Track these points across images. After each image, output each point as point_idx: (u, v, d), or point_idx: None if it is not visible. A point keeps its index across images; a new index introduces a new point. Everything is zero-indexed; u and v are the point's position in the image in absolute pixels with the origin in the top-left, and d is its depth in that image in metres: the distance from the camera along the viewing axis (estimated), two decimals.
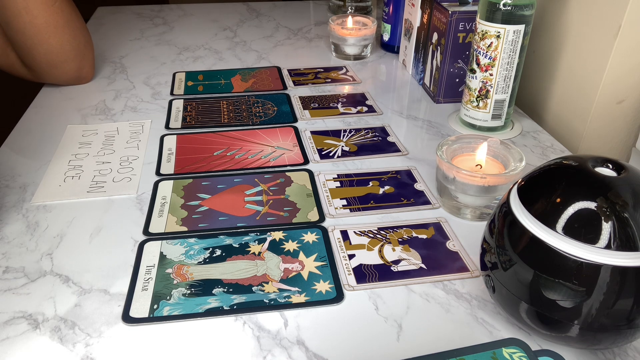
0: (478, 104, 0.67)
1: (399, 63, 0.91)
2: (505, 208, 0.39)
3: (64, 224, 0.53)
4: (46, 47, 0.73)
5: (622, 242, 0.34)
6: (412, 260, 0.49)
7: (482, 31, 0.63)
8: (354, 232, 0.52)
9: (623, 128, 0.67)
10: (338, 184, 0.59)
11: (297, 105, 0.76)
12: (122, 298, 0.45)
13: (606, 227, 0.34)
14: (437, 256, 0.49)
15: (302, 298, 0.45)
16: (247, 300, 0.44)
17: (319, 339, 0.41)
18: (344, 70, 0.87)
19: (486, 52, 0.63)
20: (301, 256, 0.49)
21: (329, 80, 0.84)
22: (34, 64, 0.75)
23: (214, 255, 0.49)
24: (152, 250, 0.49)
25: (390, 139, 0.68)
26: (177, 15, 1.13)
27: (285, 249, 0.50)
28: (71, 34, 0.75)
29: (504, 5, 0.60)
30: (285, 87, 0.81)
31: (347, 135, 0.69)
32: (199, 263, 0.48)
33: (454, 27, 0.70)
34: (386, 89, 0.82)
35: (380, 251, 0.50)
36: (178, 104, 0.76)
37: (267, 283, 0.46)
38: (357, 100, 0.78)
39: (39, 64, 0.75)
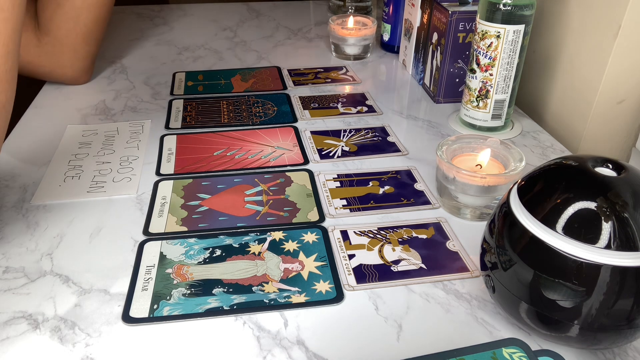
0: (478, 104, 0.67)
1: (399, 63, 0.91)
2: (505, 208, 0.39)
3: (64, 224, 0.53)
4: (96, 15, 0.76)
5: (622, 242, 0.34)
6: (412, 260, 0.49)
7: (482, 31, 0.63)
8: (354, 232, 0.52)
9: (623, 128, 0.67)
10: (338, 184, 0.59)
11: (297, 105, 0.76)
12: (122, 298, 0.45)
13: (606, 227, 0.34)
14: (437, 256, 0.49)
15: (302, 298, 0.45)
16: (247, 300, 0.44)
17: (319, 339, 0.41)
18: (344, 70, 0.87)
19: (486, 52, 0.63)
20: (301, 256, 0.49)
21: (329, 80, 0.84)
22: (70, 33, 0.75)
23: (214, 255, 0.49)
24: (152, 250, 0.49)
25: (390, 139, 0.68)
26: (177, 15, 1.13)
27: (285, 249, 0.50)
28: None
29: (504, 5, 0.60)
30: (285, 87, 0.81)
31: (347, 135, 0.69)
32: (199, 263, 0.48)
33: (454, 27, 0.70)
34: (386, 89, 0.82)
35: (380, 251, 0.50)
36: (178, 104, 0.76)
37: (267, 283, 0.46)
38: (357, 100, 0.78)
39: (75, 34, 0.75)
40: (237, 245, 0.50)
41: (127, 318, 0.43)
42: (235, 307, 0.44)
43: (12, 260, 0.49)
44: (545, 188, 0.37)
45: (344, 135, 0.69)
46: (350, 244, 0.51)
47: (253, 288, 0.45)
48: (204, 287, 0.45)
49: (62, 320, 0.43)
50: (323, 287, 0.46)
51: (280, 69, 0.87)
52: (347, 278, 0.47)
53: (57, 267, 0.48)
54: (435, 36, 0.75)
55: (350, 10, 1.03)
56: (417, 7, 0.81)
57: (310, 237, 0.51)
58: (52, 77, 0.80)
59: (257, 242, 0.51)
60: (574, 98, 0.69)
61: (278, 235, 0.51)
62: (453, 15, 0.70)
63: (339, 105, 0.76)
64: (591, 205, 0.35)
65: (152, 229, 0.52)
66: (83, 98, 0.78)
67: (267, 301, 0.44)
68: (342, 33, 0.89)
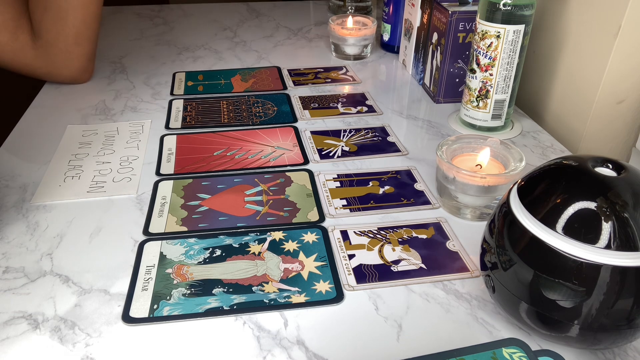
0: (478, 104, 0.67)
1: (399, 63, 0.91)
2: (505, 208, 0.39)
3: (64, 224, 0.53)
4: (83, 15, 0.74)
5: (622, 242, 0.34)
6: (412, 260, 0.49)
7: (482, 31, 0.63)
8: (354, 232, 0.52)
9: (623, 128, 0.67)
10: (338, 184, 0.59)
11: (297, 105, 0.76)
12: (122, 298, 0.45)
13: (606, 227, 0.34)
14: (437, 256, 0.49)
15: (302, 298, 0.45)
16: (247, 300, 0.44)
17: (319, 339, 0.41)
18: (344, 70, 0.87)
19: (486, 52, 0.63)
20: (301, 256, 0.49)
21: (329, 80, 0.84)
22: (60, 35, 0.74)
23: (214, 255, 0.49)
24: (152, 250, 0.49)
25: (390, 139, 0.68)
26: (177, 15, 1.13)
27: (285, 249, 0.50)
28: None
29: (504, 5, 0.60)
30: (285, 87, 0.81)
31: (347, 135, 0.69)
32: (199, 263, 0.48)
33: (454, 27, 0.70)
34: (386, 89, 0.82)
35: (380, 251, 0.50)
36: (178, 104, 0.76)
37: (267, 283, 0.46)
38: (357, 100, 0.78)
39: (65, 36, 0.75)
40: (237, 245, 0.50)
41: (127, 318, 0.43)
42: (235, 307, 0.44)
43: (12, 260, 0.49)
44: (545, 188, 0.37)
45: (344, 135, 0.69)
46: (350, 244, 0.51)
47: (253, 288, 0.45)
48: (204, 287, 0.45)
49: (62, 320, 0.43)
50: (323, 287, 0.46)
51: (280, 69, 0.87)
52: (347, 278, 0.47)
53: (57, 267, 0.48)
54: (435, 36, 0.75)
55: (350, 10, 1.04)
56: (417, 7, 0.81)
57: (310, 237, 0.51)
58: (51, 78, 0.80)
59: (257, 242, 0.51)
60: (574, 98, 0.69)
61: (278, 235, 0.51)
62: (453, 15, 0.70)
63: (339, 105, 0.76)
64: (591, 205, 0.35)
65: (152, 229, 0.52)
66: (83, 98, 0.78)
67: (267, 301, 0.44)
68: (342, 33, 0.89)
